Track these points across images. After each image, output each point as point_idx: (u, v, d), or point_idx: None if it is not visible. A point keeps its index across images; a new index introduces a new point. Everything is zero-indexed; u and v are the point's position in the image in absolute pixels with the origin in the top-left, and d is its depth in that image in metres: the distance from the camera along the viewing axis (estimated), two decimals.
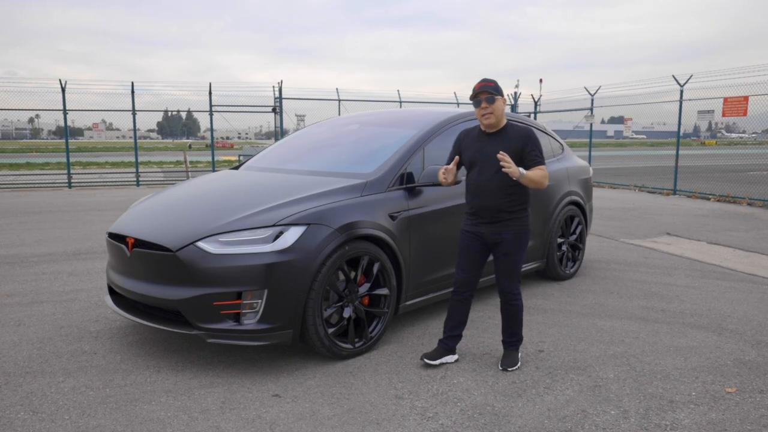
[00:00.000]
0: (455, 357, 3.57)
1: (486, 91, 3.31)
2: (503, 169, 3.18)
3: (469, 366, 3.50)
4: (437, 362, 3.47)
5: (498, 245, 3.39)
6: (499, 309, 3.54)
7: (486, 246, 3.44)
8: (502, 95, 3.35)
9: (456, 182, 3.48)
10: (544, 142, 5.66)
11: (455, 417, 2.87)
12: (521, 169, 3.22)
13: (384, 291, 3.72)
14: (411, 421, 2.83)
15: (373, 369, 3.45)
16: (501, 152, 3.18)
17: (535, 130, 5.60)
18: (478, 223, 3.41)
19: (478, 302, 4.78)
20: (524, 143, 3.31)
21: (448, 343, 3.55)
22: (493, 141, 3.36)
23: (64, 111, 14.76)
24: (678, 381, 3.29)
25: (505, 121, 3.41)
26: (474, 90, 3.36)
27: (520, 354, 3.55)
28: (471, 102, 3.39)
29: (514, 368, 3.43)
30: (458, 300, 3.53)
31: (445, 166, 3.45)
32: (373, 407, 2.98)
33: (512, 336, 3.52)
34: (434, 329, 4.07)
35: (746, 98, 11.93)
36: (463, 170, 3.57)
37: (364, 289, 3.65)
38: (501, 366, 3.44)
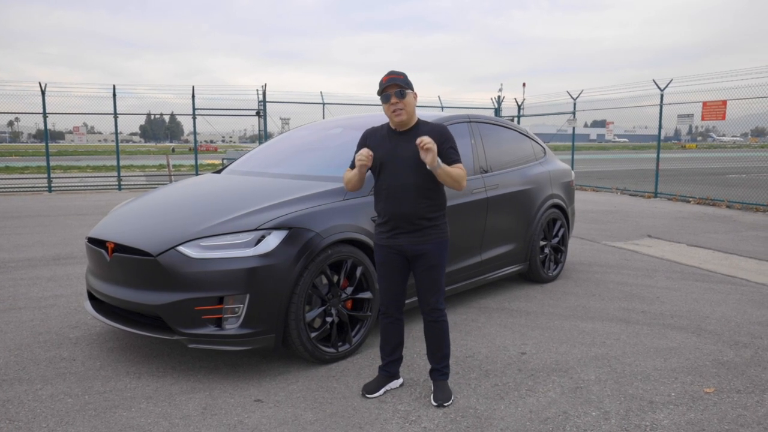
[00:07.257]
0: (400, 381, 3.29)
1: (395, 84, 2.94)
2: (422, 151, 2.82)
3: (451, 369, 3.50)
4: (380, 393, 3.17)
5: (420, 258, 3.04)
6: (424, 328, 3.19)
7: (406, 260, 3.08)
8: (412, 89, 3.01)
9: (359, 187, 3.13)
10: (527, 146, 5.71)
11: (438, 420, 2.88)
12: (439, 160, 2.88)
13: (367, 294, 3.71)
14: (394, 424, 2.83)
15: (356, 373, 3.44)
16: (420, 138, 2.83)
17: (517, 132, 5.66)
18: (396, 234, 3.03)
19: (462, 306, 4.80)
20: (440, 141, 2.96)
21: (389, 370, 3.24)
22: (405, 140, 3.01)
23: (44, 114, 14.57)
24: (658, 382, 3.33)
25: (416, 119, 3.08)
26: (381, 83, 2.97)
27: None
28: (379, 97, 3.00)
29: (450, 402, 3.06)
30: (389, 323, 3.20)
31: (361, 157, 2.97)
32: (356, 411, 2.97)
33: (443, 360, 3.16)
34: (417, 332, 4.08)
35: (724, 102, 12.13)
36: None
37: (347, 292, 3.64)
38: (435, 402, 3.04)
